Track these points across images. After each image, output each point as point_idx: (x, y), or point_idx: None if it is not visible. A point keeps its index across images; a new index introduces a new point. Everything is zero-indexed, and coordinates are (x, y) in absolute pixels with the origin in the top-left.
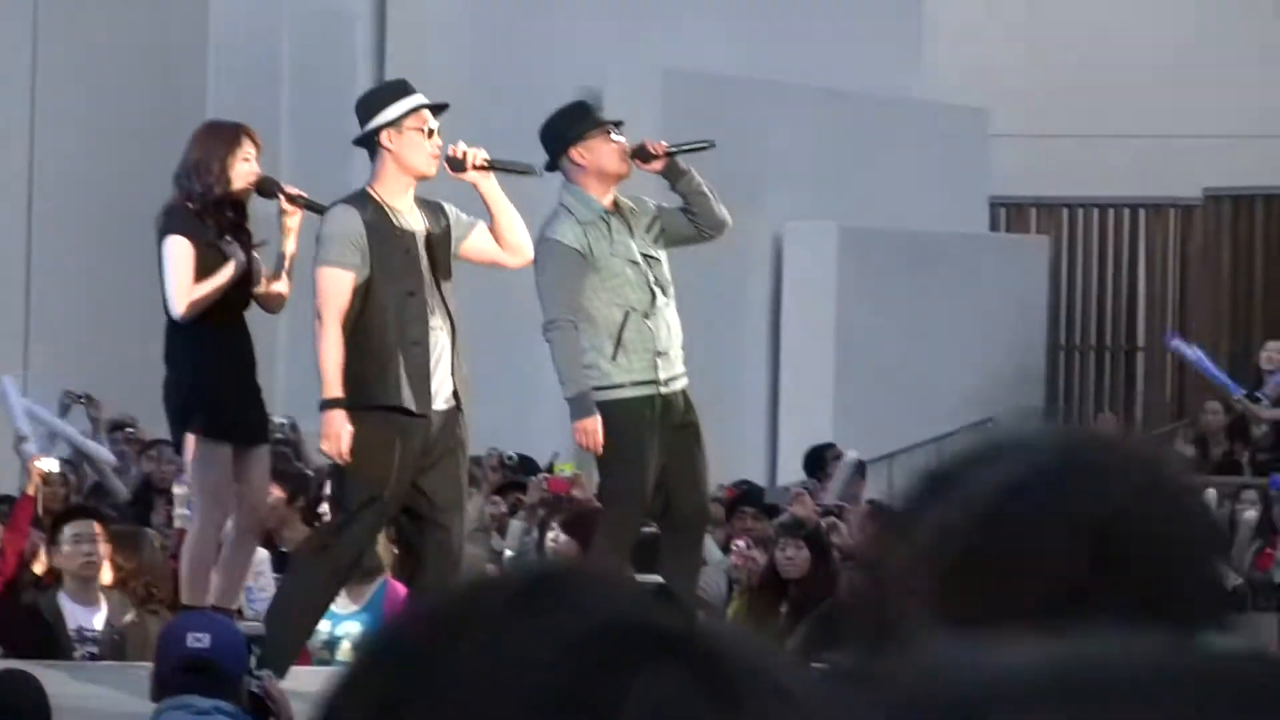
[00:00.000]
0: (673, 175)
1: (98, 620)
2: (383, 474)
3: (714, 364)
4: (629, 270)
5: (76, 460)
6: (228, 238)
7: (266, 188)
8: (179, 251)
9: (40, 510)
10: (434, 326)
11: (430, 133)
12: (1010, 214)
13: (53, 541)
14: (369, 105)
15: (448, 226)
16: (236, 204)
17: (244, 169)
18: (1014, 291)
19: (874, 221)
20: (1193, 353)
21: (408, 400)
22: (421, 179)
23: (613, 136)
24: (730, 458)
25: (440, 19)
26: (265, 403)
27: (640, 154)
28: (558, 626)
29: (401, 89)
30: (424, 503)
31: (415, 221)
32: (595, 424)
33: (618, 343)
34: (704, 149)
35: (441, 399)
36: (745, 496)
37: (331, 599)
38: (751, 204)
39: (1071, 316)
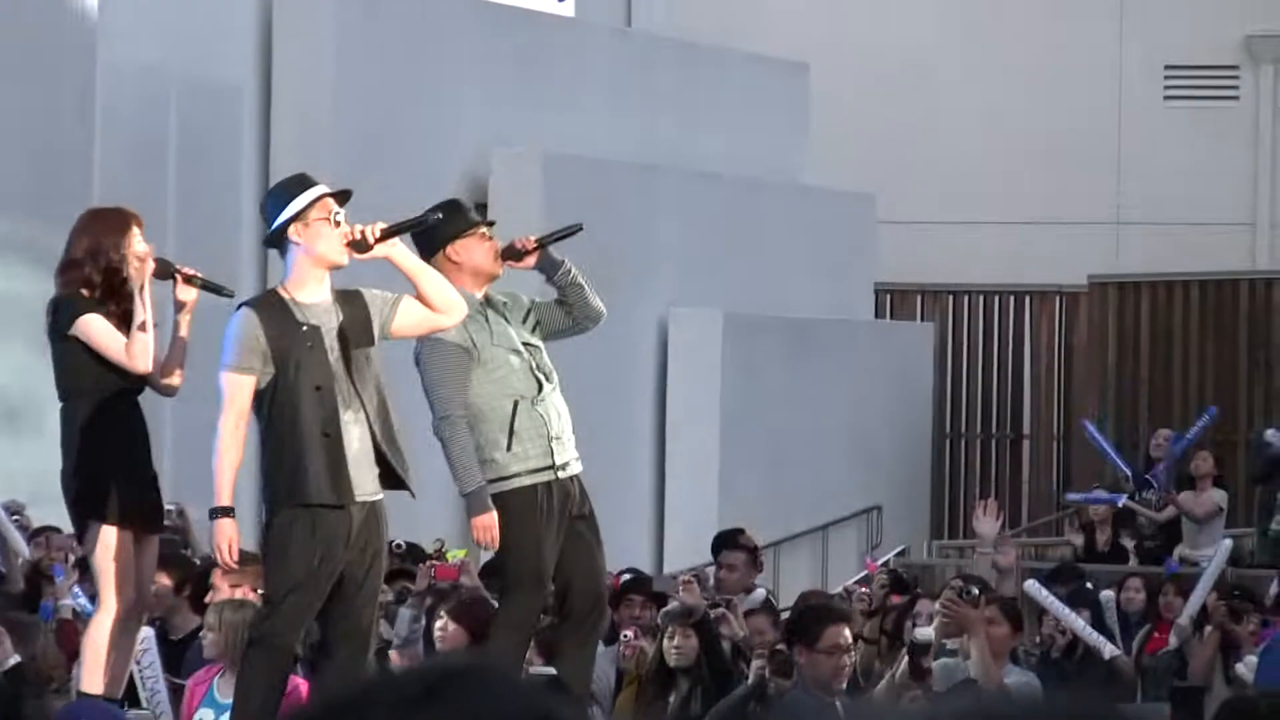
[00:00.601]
0: (547, 269)
1: None
2: (302, 567)
3: (600, 449)
4: (513, 359)
5: None
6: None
7: (163, 269)
8: (99, 323)
9: None
10: (347, 420)
11: (337, 222)
12: (895, 300)
13: None
14: (272, 202)
15: (366, 314)
16: (127, 292)
17: (139, 249)
18: (899, 378)
19: (759, 307)
20: (1102, 441)
21: (323, 495)
22: (334, 268)
23: (486, 235)
24: (617, 544)
25: (326, 98)
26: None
27: (510, 254)
28: None
29: (302, 182)
30: (339, 593)
31: (324, 314)
32: (493, 519)
33: (510, 432)
34: (572, 234)
35: (362, 491)
36: (633, 584)
37: (279, 689)
38: (637, 288)
39: (957, 403)
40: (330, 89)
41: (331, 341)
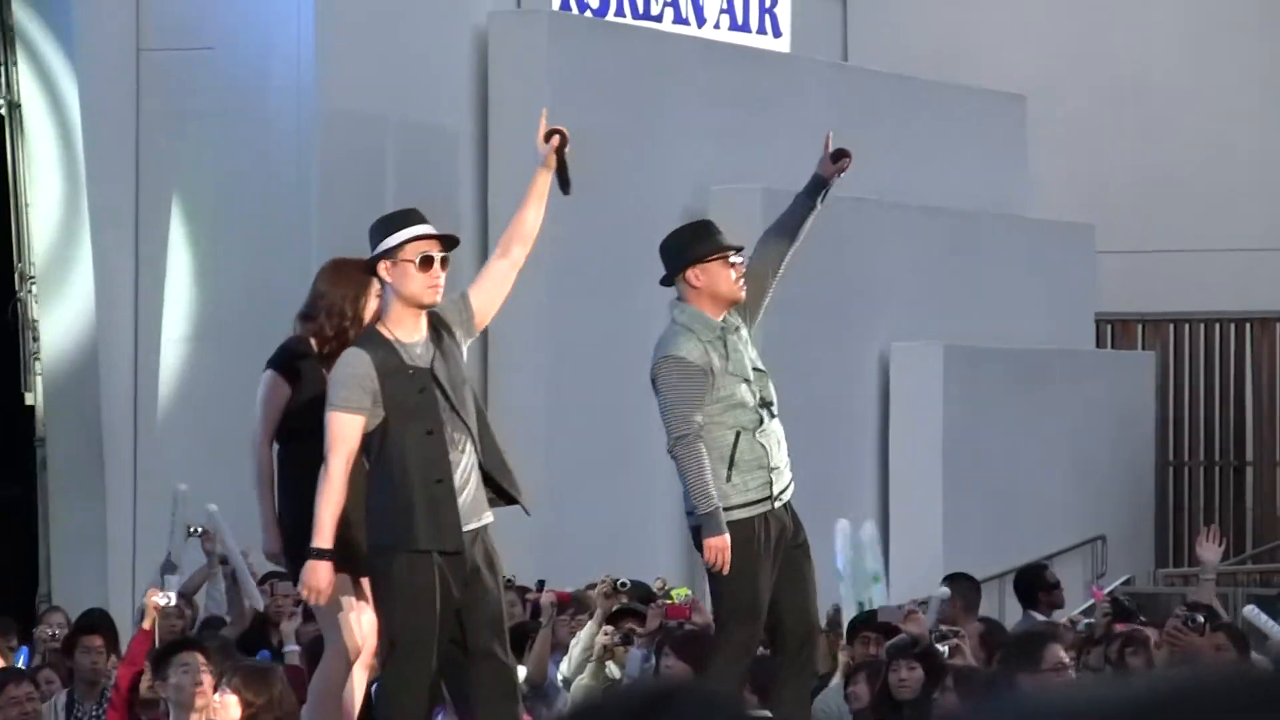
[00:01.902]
0: (825, 191)
1: None
2: (425, 617)
3: (824, 483)
4: (742, 389)
5: (188, 592)
6: None
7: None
8: (268, 389)
9: (156, 643)
10: (455, 460)
11: (429, 262)
12: (1116, 330)
13: (158, 674)
14: (374, 233)
15: (452, 332)
16: None
17: (374, 306)
18: (1121, 408)
19: (980, 340)
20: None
21: (437, 541)
22: (422, 309)
23: (732, 260)
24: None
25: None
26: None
27: (837, 156)
28: None
29: (404, 219)
30: (464, 632)
31: (425, 353)
32: (727, 542)
33: (730, 463)
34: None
35: (470, 524)
36: (867, 619)
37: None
38: (859, 322)
39: (1179, 432)
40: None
41: (438, 381)
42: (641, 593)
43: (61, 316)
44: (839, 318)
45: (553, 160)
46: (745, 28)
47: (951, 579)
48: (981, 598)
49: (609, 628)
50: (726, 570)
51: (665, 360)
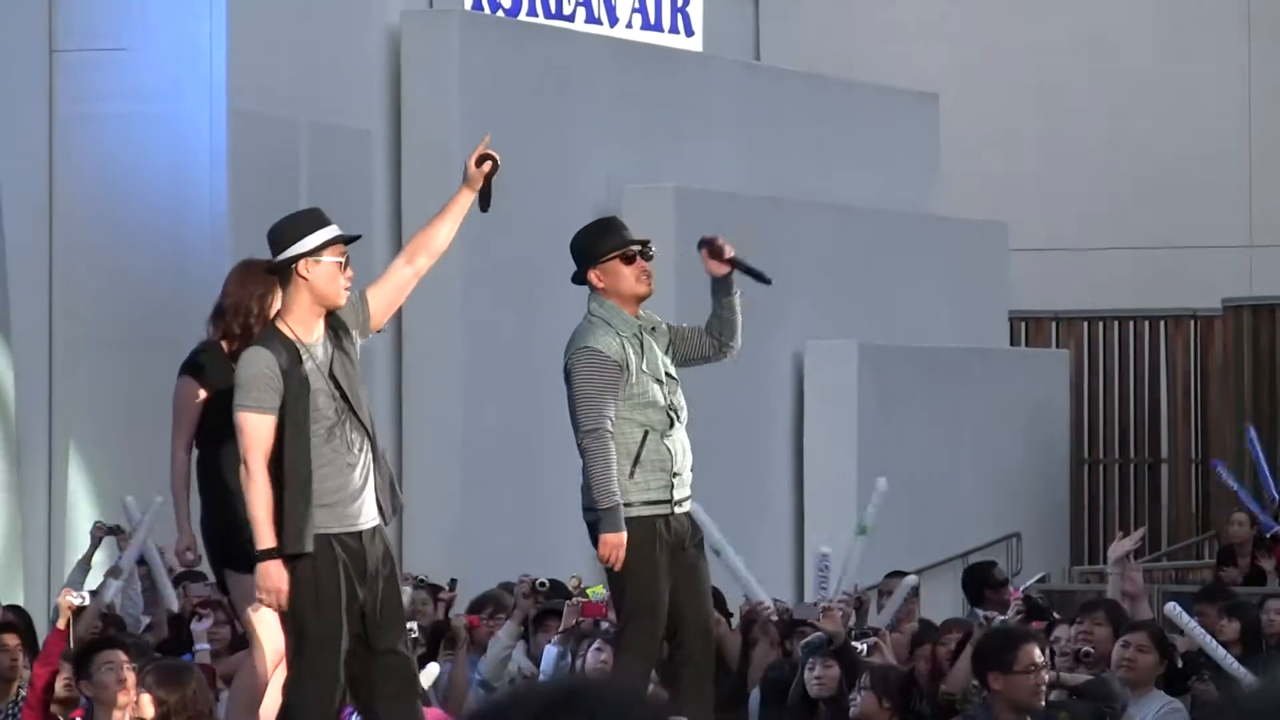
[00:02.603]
0: (723, 288)
1: None
2: (331, 614)
3: (737, 481)
4: (655, 388)
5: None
6: None
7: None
8: (184, 395)
9: (71, 642)
10: (352, 457)
11: (344, 264)
12: (1030, 328)
13: (80, 673)
14: (283, 235)
15: (347, 328)
16: None
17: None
18: (1035, 406)
19: (894, 338)
20: (1236, 484)
21: (338, 529)
22: (331, 308)
23: (632, 255)
24: (756, 575)
25: (455, 139)
26: None
27: (709, 246)
28: None
29: (318, 219)
30: (365, 628)
31: (324, 352)
32: (623, 539)
33: (635, 461)
34: (762, 281)
35: (366, 520)
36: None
37: None
38: (771, 322)
39: (1094, 430)
40: (459, 130)
41: (334, 378)
42: (560, 592)
43: None
44: (752, 317)
45: (479, 183)
46: (658, 27)
47: (892, 577)
48: (946, 597)
49: (520, 628)
50: (619, 567)
51: (581, 352)
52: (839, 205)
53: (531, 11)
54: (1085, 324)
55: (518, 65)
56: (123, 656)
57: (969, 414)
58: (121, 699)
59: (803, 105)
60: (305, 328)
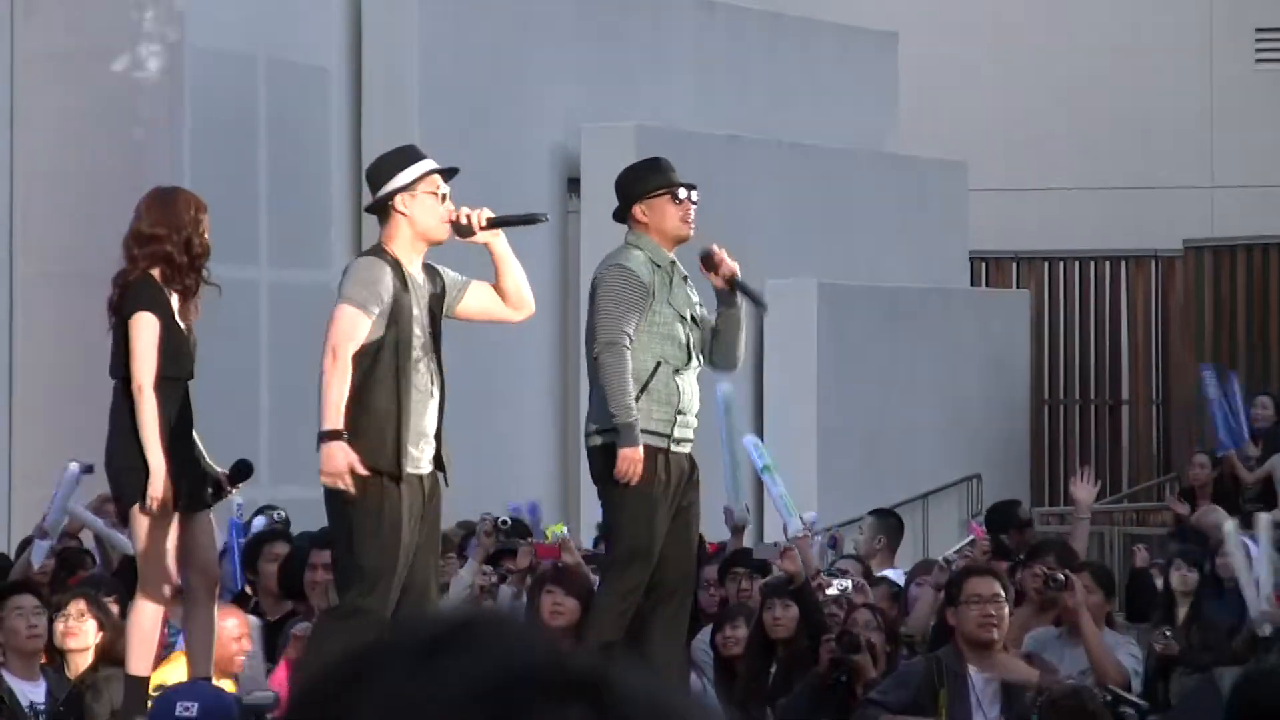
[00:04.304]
0: (725, 300)
1: (39, 695)
2: (393, 545)
3: (699, 420)
4: (677, 324)
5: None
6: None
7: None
8: (147, 332)
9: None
10: (427, 390)
11: (443, 197)
12: (990, 268)
13: None
14: (381, 170)
15: (443, 290)
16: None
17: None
18: (996, 346)
19: (853, 278)
20: (1215, 393)
21: (406, 464)
22: (433, 244)
23: (680, 196)
24: (715, 516)
25: (414, 78)
26: (208, 465)
27: (705, 260)
28: (465, 672)
29: (412, 154)
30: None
31: (423, 287)
32: (640, 454)
33: (643, 389)
34: (758, 305)
35: (426, 463)
36: (737, 556)
37: None
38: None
39: (1054, 371)
40: (418, 68)
41: (426, 321)
42: (520, 531)
43: None
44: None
45: (487, 233)
46: None
47: (876, 514)
48: (904, 536)
49: (487, 568)
50: (635, 481)
51: (612, 268)
52: (797, 144)
53: None
54: (1045, 264)
55: (476, 4)
56: (33, 601)
57: (928, 354)
58: (30, 645)
59: (761, 44)
60: (406, 261)
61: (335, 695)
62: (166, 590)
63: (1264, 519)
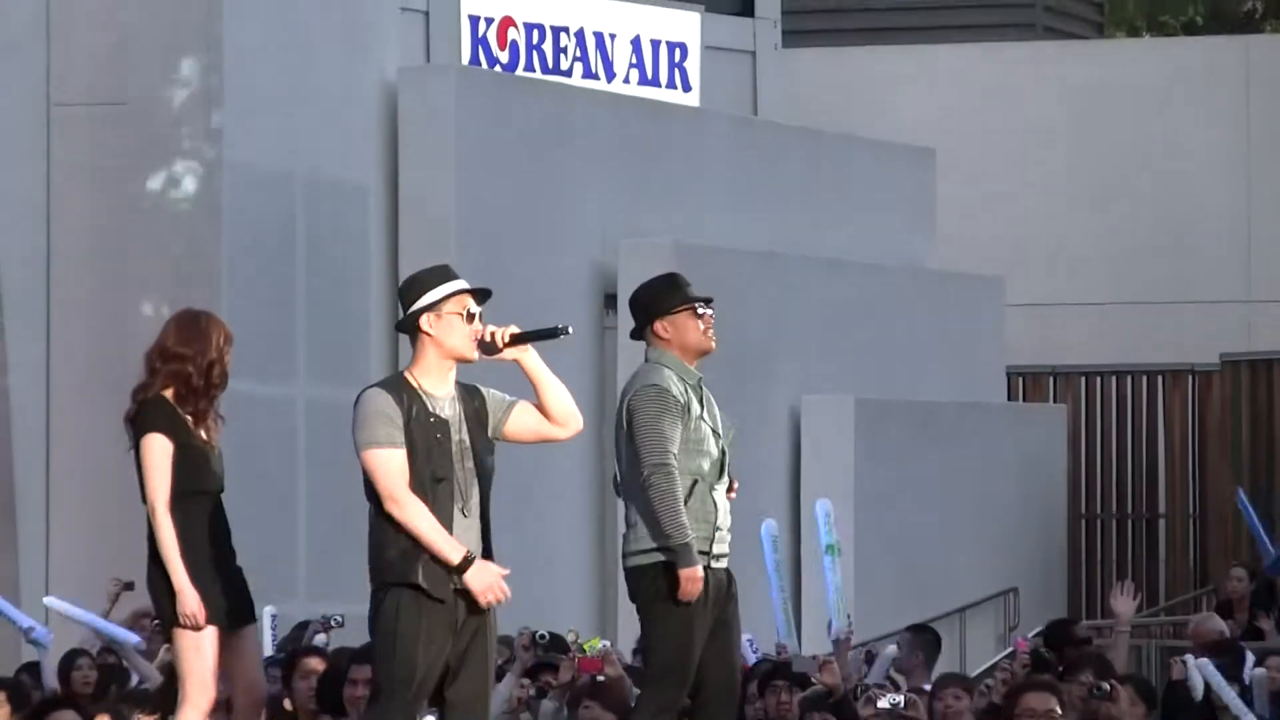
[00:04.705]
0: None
1: None
2: (410, 662)
3: (736, 535)
4: (711, 440)
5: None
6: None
7: (487, 349)
8: (157, 454)
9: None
10: (459, 516)
11: (471, 317)
12: (1027, 382)
13: None
14: (410, 289)
15: (485, 411)
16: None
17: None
18: (1033, 460)
19: (891, 393)
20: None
21: (431, 585)
22: (461, 362)
23: (700, 312)
24: (754, 629)
25: (452, 194)
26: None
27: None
28: None
29: (443, 274)
30: (449, 681)
31: (450, 408)
32: (699, 573)
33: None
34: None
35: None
36: (777, 670)
37: None
38: (768, 377)
39: (1091, 485)
40: (456, 185)
41: (458, 435)
42: (558, 645)
43: None
44: (748, 371)
45: (514, 349)
46: (655, 82)
47: (914, 630)
48: (942, 652)
49: (525, 680)
50: (660, 614)
51: (647, 389)
52: (835, 260)
53: (529, 67)
54: (1083, 379)
55: (514, 120)
56: (75, 717)
57: (966, 469)
58: None
59: (799, 160)
60: (432, 381)
61: None
62: (206, 706)
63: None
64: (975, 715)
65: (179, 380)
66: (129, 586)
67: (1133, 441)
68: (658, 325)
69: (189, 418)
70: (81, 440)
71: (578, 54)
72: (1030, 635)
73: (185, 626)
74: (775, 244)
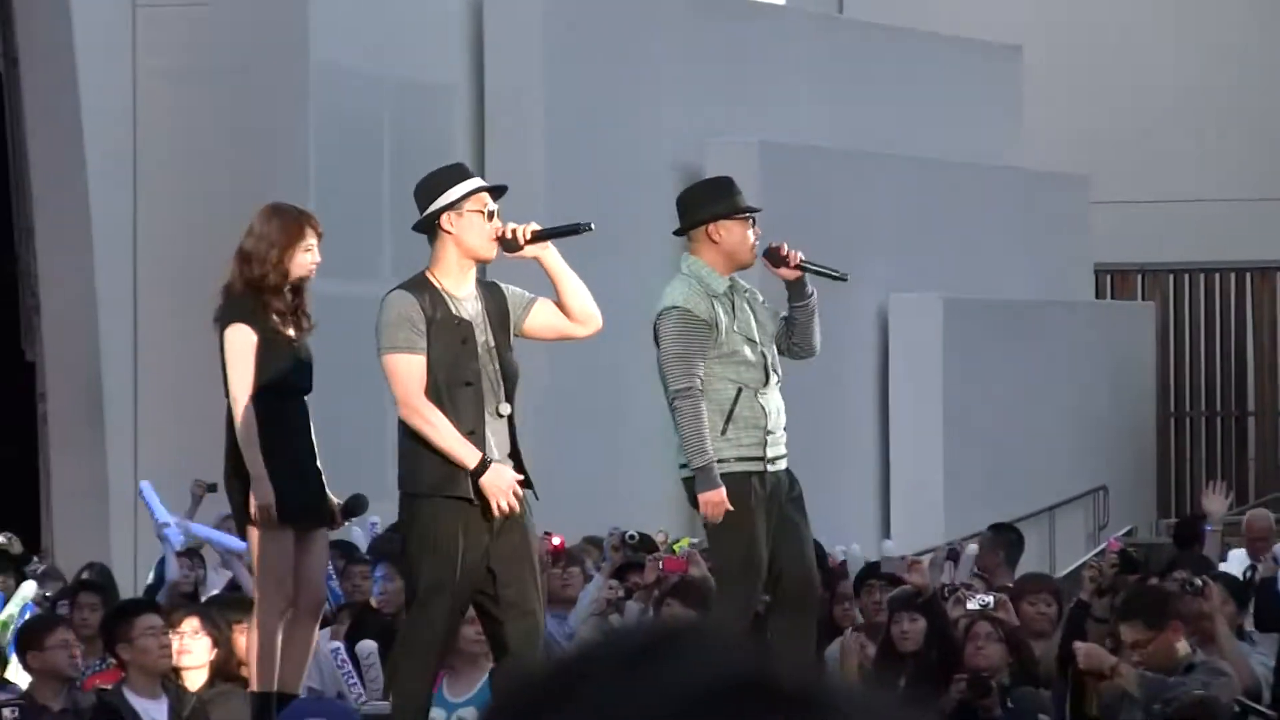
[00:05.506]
0: (796, 292)
1: (161, 712)
2: (448, 562)
3: (822, 437)
4: (747, 348)
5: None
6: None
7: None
8: (238, 344)
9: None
10: (490, 417)
11: (490, 215)
12: (1115, 280)
13: (118, 637)
14: (427, 190)
15: (505, 309)
16: (295, 288)
17: (304, 259)
18: (1121, 359)
19: (978, 291)
20: None
21: (466, 490)
22: (481, 261)
23: (750, 222)
24: (842, 529)
25: (538, 94)
26: (327, 486)
27: (771, 256)
28: (676, 682)
29: (459, 173)
30: (497, 586)
31: (474, 308)
32: (722, 495)
33: (728, 418)
34: (836, 278)
35: None
36: (873, 568)
37: (426, 686)
38: (854, 275)
39: (1180, 383)
40: (542, 84)
41: (483, 336)
42: (648, 545)
43: (62, 271)
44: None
45: (535, 246)
46: None
47: (995, 529)
48: (1030, 550)
49: (613, 581)
50: (719, 521)
51: (669, 311)
52: (921, 158)
53: None
54: (1170, 276)
55: (599, 20)
56: (160, 621)
57: (1054, 367)
58: (161, 665)
59: (884, 58)
60: (454, 281)
61: (540, 704)
62: (282, 605)
63: None
64: (1066, 615)
65: (248, 276)
66: (212, 488)
67: (1221, 339)
68: (711, 228)
69: (274, 314)
70: (168, 343)
71: None
72: (1119, 534)
73: (258, 520)
74: (861, 143)
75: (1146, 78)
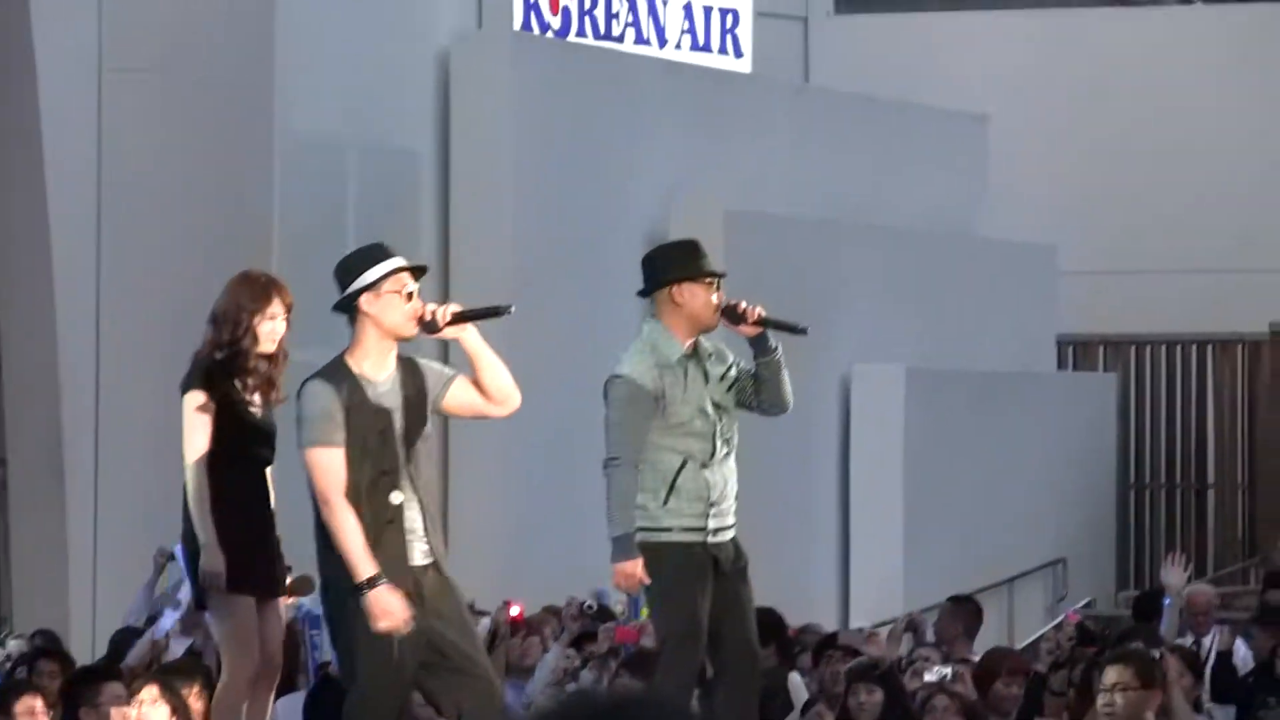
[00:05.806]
0: (760, 348)
1: None
2: (383, 649)
3: (784, 505)
4: (697, 420)
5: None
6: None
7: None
8: (192, 411)
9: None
10: (405, 503)
11: (409, 295)
12: (1078, 351)
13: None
14: (345, 270)
15: (424, 388)
16: (271, 357)
17: (266, 328)
18: (1083, 430)
19: (941, 362)
20: None
21: (386, 575)
22: (400, 340)
23: (713, 285)
24: (802, 599)
25: (505, 158)
26: (283, 556)
27: (729, 314)
28: None
29: (379, 253)
30: (441, 652)
31: (392, 394)
32: (635, 567)
33: (671, 488)
34: (797, 332)
35: (420, 560)
36: (832, 639)
37: None
38: (818, 345)
39: (1141, 454)
40: (509, 150)
41: (400, 425)
42: (605, 615)
43: (23, 336)
44: (799, 340)
45: (455, 327)
46: (707, 48)
47: (954, 600)
48: (989, 623)
49: (570, 650)
50: (635, 592)
51: (615, 379)
52: (888, 227)
53: (580, 32)
54: (1133, 348)
55: (567, 86)
56: (122, 691)
57: (1016, 438)
58: None
59: (852, 126)
60: (373, 363)
61: None
62: (249, 673)
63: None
64: (1024, 689)
65: (216, 340)
66: (172, 558)
67: (1182, 411)
68: (674, 290)
69: (239, 382)
70: (131, 404)
71: (630, 20)
72: (1078, 606)
73: (205, 586)
74: (826, 210)
75: (1111, 145)
